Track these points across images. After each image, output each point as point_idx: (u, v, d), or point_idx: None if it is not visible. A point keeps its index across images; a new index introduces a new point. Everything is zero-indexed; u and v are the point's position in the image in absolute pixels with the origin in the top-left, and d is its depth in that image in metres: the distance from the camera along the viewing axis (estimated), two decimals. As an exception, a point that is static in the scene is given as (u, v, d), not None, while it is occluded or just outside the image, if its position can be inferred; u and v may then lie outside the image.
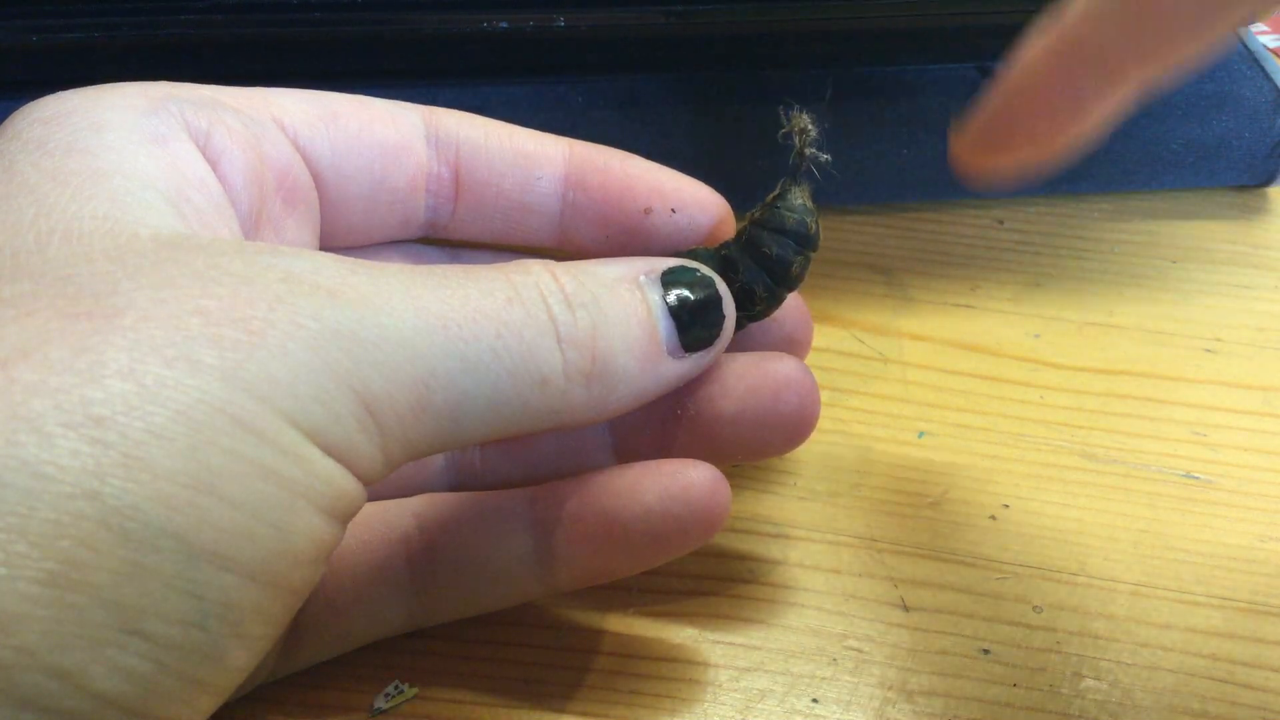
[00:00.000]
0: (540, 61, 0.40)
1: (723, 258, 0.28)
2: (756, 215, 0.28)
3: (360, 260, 0.22)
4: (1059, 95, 0.25)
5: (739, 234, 0.28)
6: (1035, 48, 0.25)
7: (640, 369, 0.25)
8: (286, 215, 0.27)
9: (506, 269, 0.24)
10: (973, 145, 0.27)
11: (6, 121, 0.24)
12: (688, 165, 0.30)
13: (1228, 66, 0.42)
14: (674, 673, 0.29)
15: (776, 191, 0.28)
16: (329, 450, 0.20)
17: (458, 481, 0.30)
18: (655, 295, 0.25)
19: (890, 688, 0.28)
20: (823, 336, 0.28)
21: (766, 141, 0.39)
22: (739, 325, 0.28)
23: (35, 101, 0.24)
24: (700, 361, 0.26)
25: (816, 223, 0.28)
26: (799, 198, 0.28)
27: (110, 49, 0.36)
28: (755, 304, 0.28)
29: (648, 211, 0.29)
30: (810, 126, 0.28)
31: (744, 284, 0.28)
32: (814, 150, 0.28)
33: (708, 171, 0.31)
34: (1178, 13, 0.22)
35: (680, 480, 0.26)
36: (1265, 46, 0.44)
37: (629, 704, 0.28)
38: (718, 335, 0.26)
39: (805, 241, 0.28)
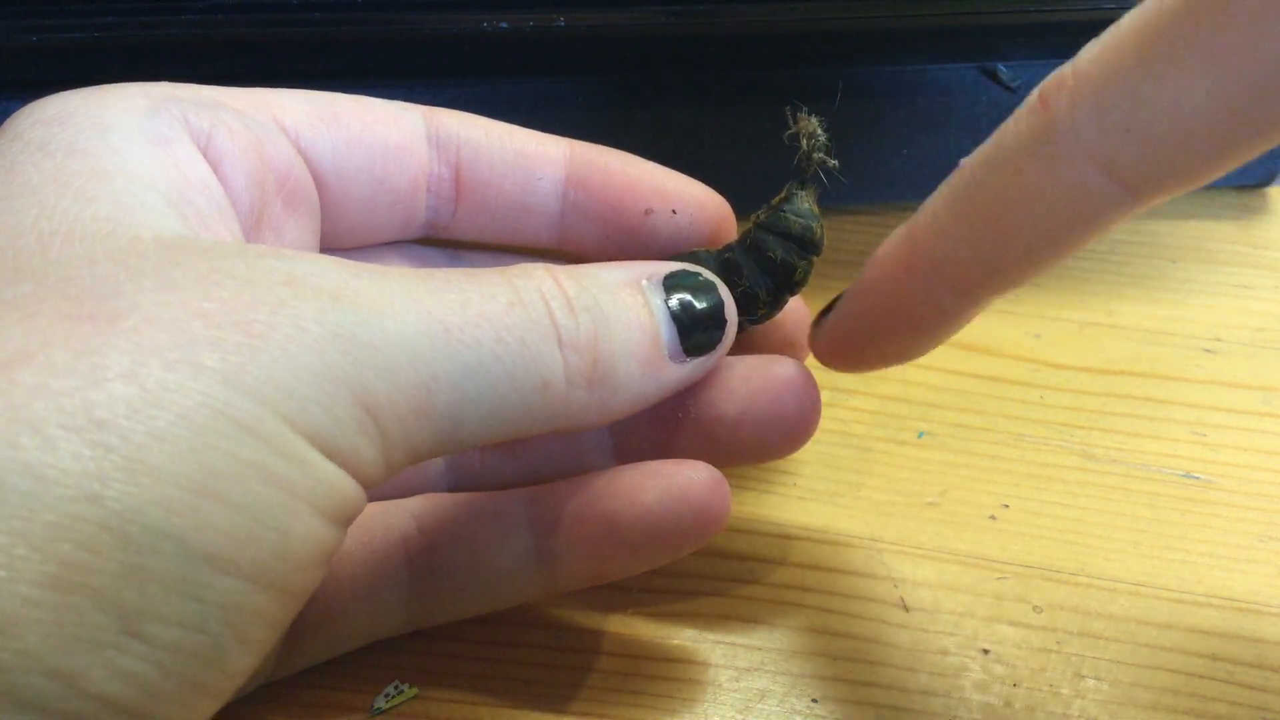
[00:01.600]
0: (540, 61, 0.40)
1: (725, 260, 0.28)
2: (761, 218, 0.28)
3: (362, 263, 0.22)
4: (911, 307, 0.25)
5: (742, 236, 0.28)
6: (888, 256, 0.25)
7: (641, 373, 0.25)
8: (287, 216, 0.27)
9: (508, 273, 0.24)
10: (830, 349, 0.28)
11: (8, 122, 0.24)
12: (688, 166, 0.30)
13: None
14: (674, 673, 0.29)
15: (782, 195, 0.28)
16: (330, 454, 0.20)
17: (458, 482, 0.30)
18: (657, 300, 0.25)
19: (890, 688, 0.28)
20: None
21: (767, 142, 0.39)
22: (740, 328, 0.28)
23: (36, 102, 0.24)
24: (702, 366, 0.26)
25: (821, 228, 0.28)
26: (805, 202, 0.28)
27: (110, 49, 0.36)
28: (758, 308, 0.28)
29: (648, 212, 0.29)
30: (819, 130, 0.27)
31: (747, 288, 0.28)
32: (822, 155, 0.27)
33: (708, 172, 0.31)
34: (1024, 232, 0.22)
35: (680, 481, 0.26)
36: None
37: (629, 704, 0.28)
38: (719, 340, 0.26)
39: (810, 246, 0.28)
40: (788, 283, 0.28)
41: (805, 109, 0.27)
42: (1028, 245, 0.23)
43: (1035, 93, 0.22)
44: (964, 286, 0.24)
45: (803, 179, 0.28)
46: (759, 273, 0.28)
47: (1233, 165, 0.21)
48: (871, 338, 0.27)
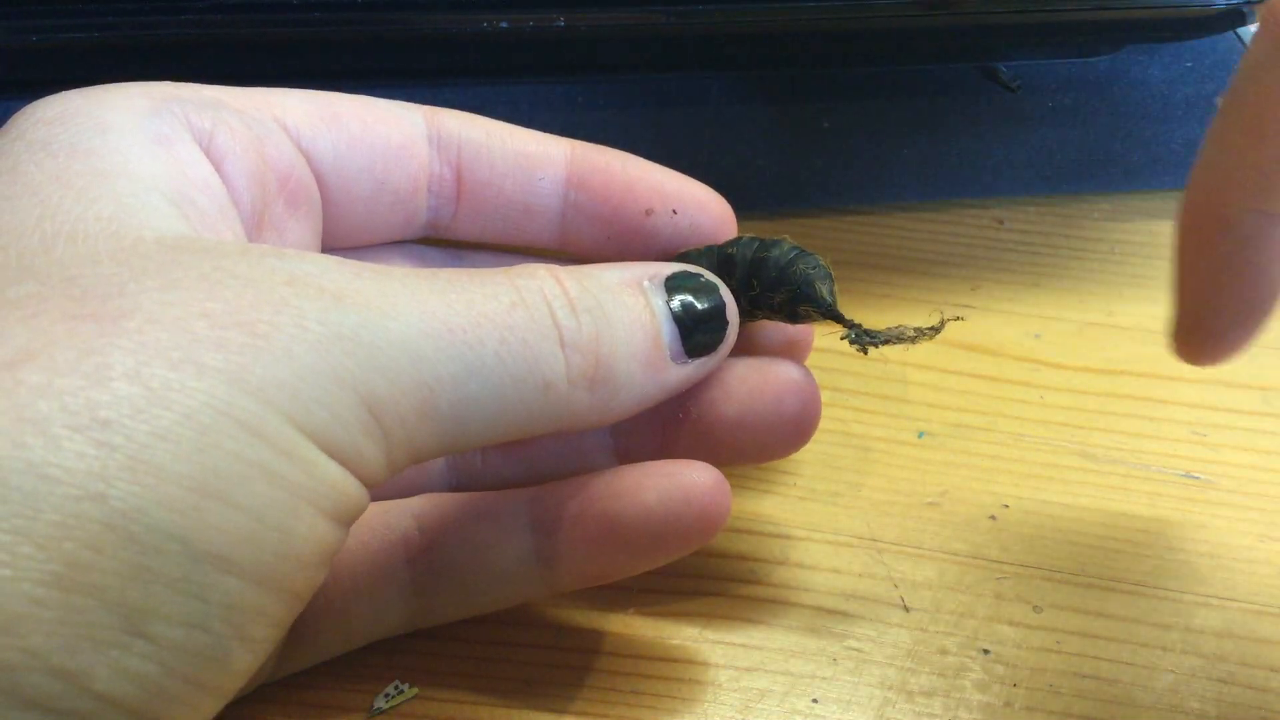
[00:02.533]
0: (540, 61, 0.40)
1: (726, 256, 0.28)
2: (777, 273, 0.28)
3: (365, 263, 0.22)
4: (1236, 253, 0.25)
5: (752, 253, 0.28)
6: (1188, 227, 0.26)
7: (643, 374, 0.25)
8: (289, 216, 0.27)
9: (511, 273, 0.24)
10: (1192, 343, 0.27)
11: (9, 122, 0.24)
12: (688, 166, 0.30)
13: (1228, 66, 0.42)
14: (674, 673, 0.29)
15: (799, 268, 0.28)
16: (333, 454, 0.20)
17: (458, 482, 0.30)
18: (659, 300, 0.25)
19: (890, 688, 0.28)
20: (823, 336, 0.28)
21: (767, 142, 0.39)
22: (744, 320, 0.28)
23: (38, 102, 0.24)
24: (703, 367, 0.26)
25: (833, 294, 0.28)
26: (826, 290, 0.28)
27: (110, 49, 0.36)
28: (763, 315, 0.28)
29: (649, 212, 0.29)
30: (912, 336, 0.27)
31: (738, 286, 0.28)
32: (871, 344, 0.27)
33: (708, 172, 0.31)
34: None
35: (681, 481, 0.26)
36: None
37: (629, 704, 0.28)
38: (720, 341, 0.26)
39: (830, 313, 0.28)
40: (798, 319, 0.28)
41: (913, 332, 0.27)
42: None
43: (1261, 15, 0.23)
44: (1267, 207, 0.24)
45: (856, 332, 0.27)
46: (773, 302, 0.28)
47: None
48: (1228, 310, 0.26)
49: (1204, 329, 0.27)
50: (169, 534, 0.18)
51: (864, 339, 0.27)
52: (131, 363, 0.18)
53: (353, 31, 0.37)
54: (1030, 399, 0.36)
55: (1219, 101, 0.24)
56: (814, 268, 0.27)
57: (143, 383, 0.18)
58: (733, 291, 0.27)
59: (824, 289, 0.27)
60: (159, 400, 0.18)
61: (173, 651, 0.18)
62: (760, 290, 0.28)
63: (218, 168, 0.25)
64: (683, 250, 0.29)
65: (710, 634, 0.30)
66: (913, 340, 0.27)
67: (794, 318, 0.28)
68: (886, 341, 0.27)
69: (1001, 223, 0.42)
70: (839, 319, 0.27)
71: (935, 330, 0.27)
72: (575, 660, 0.29)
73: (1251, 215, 0.24)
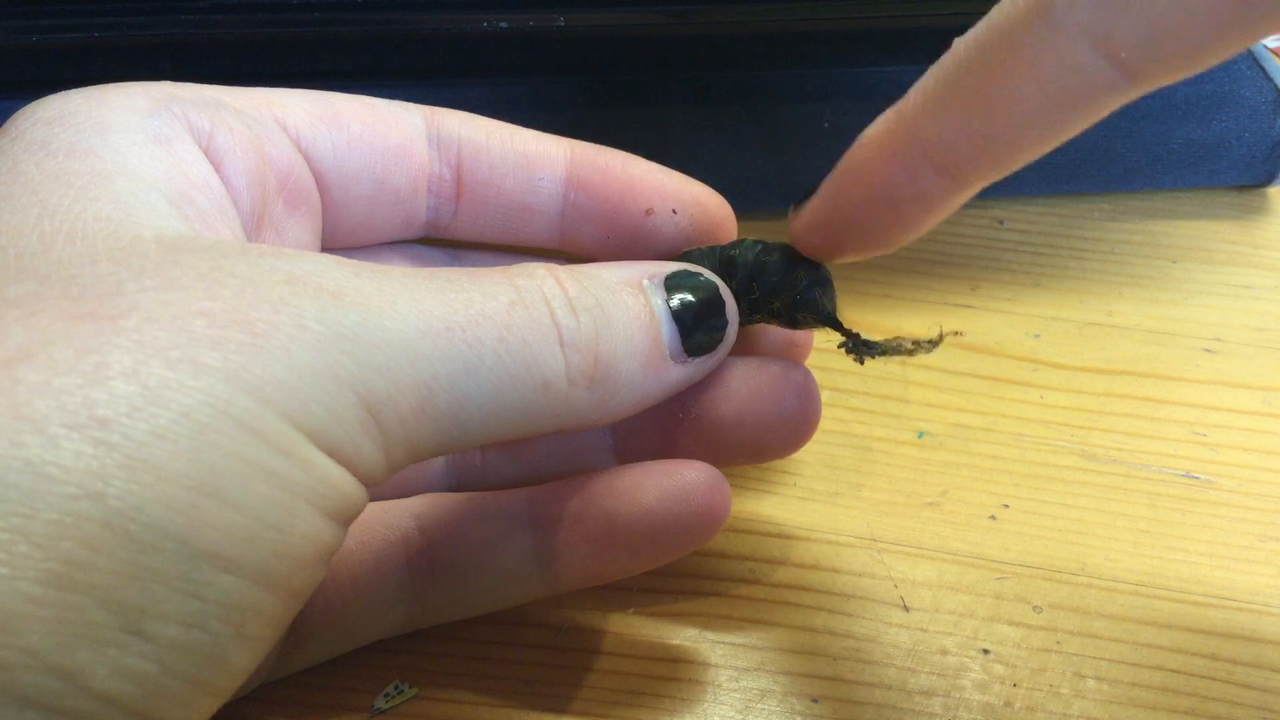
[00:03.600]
0: (540, 61, 0.40)
1: (728, 257, 0.28)
2: (779, 279, 0.28)
3: (364, 263, 0.22)
4: (898, 188, 0.24)
5: (756, 258, 0.28)
6: (875, 133, 0.25)
7: (643, 373, 0.25)
8: (288, 216, 0.27)
9: (510, 272, 0.24)
10: (809, 232, 0.27)
11: (9, 122, 0.24)
12: (688, 166, 0.30)
13: (1228, 66, 0.42)
14: (674, 673, 0.29)
15: (802, 280, 0.28)
16: (331, 453, 0.20)
17: (458, 482, 0.30)
18: (659, 300, 0.25)
19: (890, 688, 0.28)
20: (823, 336, 0.28)
21: (767, 142, 0.39)
22: (743, 323, 0.28)
23: (38, 101, 0.24)
24: (703, 366, 0.26)
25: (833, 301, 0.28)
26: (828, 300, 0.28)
27: (110, 49, 0.36)
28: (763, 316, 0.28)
29: (649, 212, 0.29)
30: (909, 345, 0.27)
31: (739, 289, 0.28)
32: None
33: (708, 172, 0.31)
34: (1016, 112, 0.22)
35: (680, 481, 0.26)
36: (1265, 46, 0.44)
37: (629, 704, 0.28)
38: (720, 340, 0.26)
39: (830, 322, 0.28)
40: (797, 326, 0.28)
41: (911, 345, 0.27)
42: (1019, 126, 0.22)
43: None
44: (952, 169, 0.23)
45: (856, 344, 0.27)
46: (762, 297, 0.28)
47: (1230, 50, 0.20)
48: (854, 223, 0.26)
49: (829, 227, 0.26)
50: (167, 533, 0.18)
51: (862, 349, 0.27)
52: (129, 361, 0.18)
53: (353, 31, 0.37)
54: (1030, 399, 0.36)
55: (956, 43, 0.23)
56: (815, 275, 0.27)
57: (140, 381, 0.18)
58: (733, 294, 0.27)
59: (824, 297, 0.27)
60: (157, 399, 0.18)
61: (171, 650, 0.18)
62: (760, 294, 0.28)
63: (217, 167, 0.25)
64: (685, 251, 0.29)
65: (710, 634, 0.30)
66: (910, 353, 0.27)
67: (793, 324, 0.28)
68: (884, 353, 0.27)
69: (1001, 223, 0.42)
70: (838, 327, 0.27)
71: (934, 344, 0.27)
72: (575, 660, 0.29)
73: (929, 168, 0.24)
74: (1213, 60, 0.20)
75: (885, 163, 0.24)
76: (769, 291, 0.28)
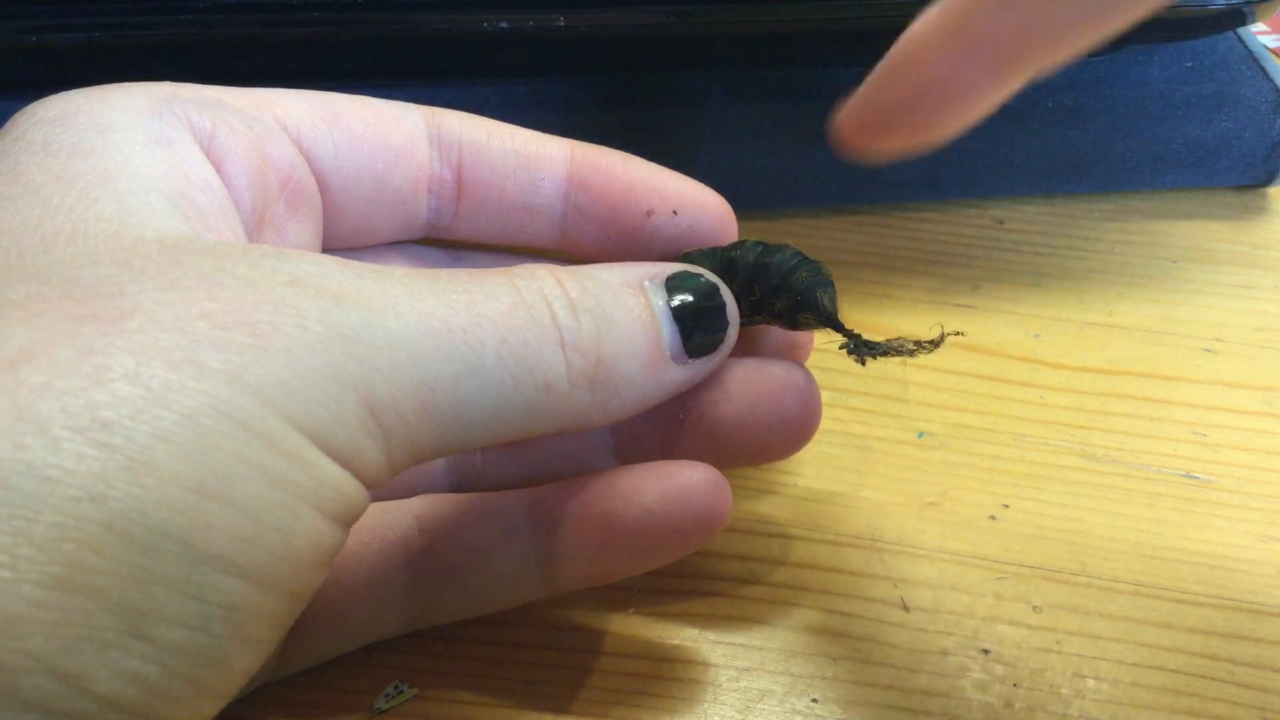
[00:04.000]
0: (540, 61, 0.40)
1: (729, 259, 0.28)
2: (780, 280, 0.28)
3: (366, 264, 0.22)
4: (946, 80, 0.24)
5: (762, 258, 0.28)
6: (923, 27, 0.24)
7: (644, 374, 0.25)
8: (289, 216, 0.27)
9: (511, 273, 0.24)
10: (855, 125, 0.26)
11: (10, 122, 0.24)
12: (688, 166, 0.30)
13: (1228, 66, 0.42)
14: (674, 673, 0.29)
15: (803, 280, 0.28)
16: (333, 454, 0.20)
17: (458, 483, 0.30)
18: (659, 301, 0.25)
19: (890, 688, 0.28)
20: (824, 337, 0.28)
21: (767, 142, 0.39)
22: (744, 324, 0.28)
23: (39, 102, 0.24)
24: (704, 367, 0.26)
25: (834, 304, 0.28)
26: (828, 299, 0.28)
27: (110, 49, 0.36)
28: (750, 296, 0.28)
29: (650, 213, 0.29)
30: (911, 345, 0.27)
31: (740, 291, 0.28)
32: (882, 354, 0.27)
33: (708, 172, 0.31)
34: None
35: (681, 482, 0.26)
36: (1265, 46, 0.44)
37: (629, 704, 0.28)
38: (721, 341, 0.26)
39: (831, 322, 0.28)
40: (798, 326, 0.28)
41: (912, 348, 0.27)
42: (1070, 16, 0.22)
43: None
44: (999, 60, 0.23)
45: (857, 344, 0.27)
46: (762, 299, 0.28)
47: None
48: (900, 114, 0.25)
49: (875, 119, 0.26)
50: (169, 535, 0.18)
51: (862, 350, 0.27)
52: (131, 363, 0.18)
53: (353, 31, 0.37)
54: (1030, 399, 0.36)
55: None
56: (816, 276, 0.27)
57: (143, 383, 0.18)
58: (734, 295, 0.27)
59: (825, 298, 0.27)
60: (159, 401, 0.18)
61: (173, 653, 0.18)
62: (761, 295, 0.28)
63: (218, 168, 0.25)
64: (685, 252, 0.29)
65: (710, 634, 0.30)
66: (911, 354, 0.27)
67: (794, 325, 0.28)
68: (885, 353, 0.27)
69: (1001, 223, 0.42)
70: (839, 328, 0.27)
71: (934, 344, 0.27)
72: (575, 660, 0.29)
73: (978, 61, 0.23)
74: None
75: (933, 54, 0.24)
76: (770, 292, 0.28)
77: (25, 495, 0.17)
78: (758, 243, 0.28)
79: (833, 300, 0.28)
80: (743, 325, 0.28)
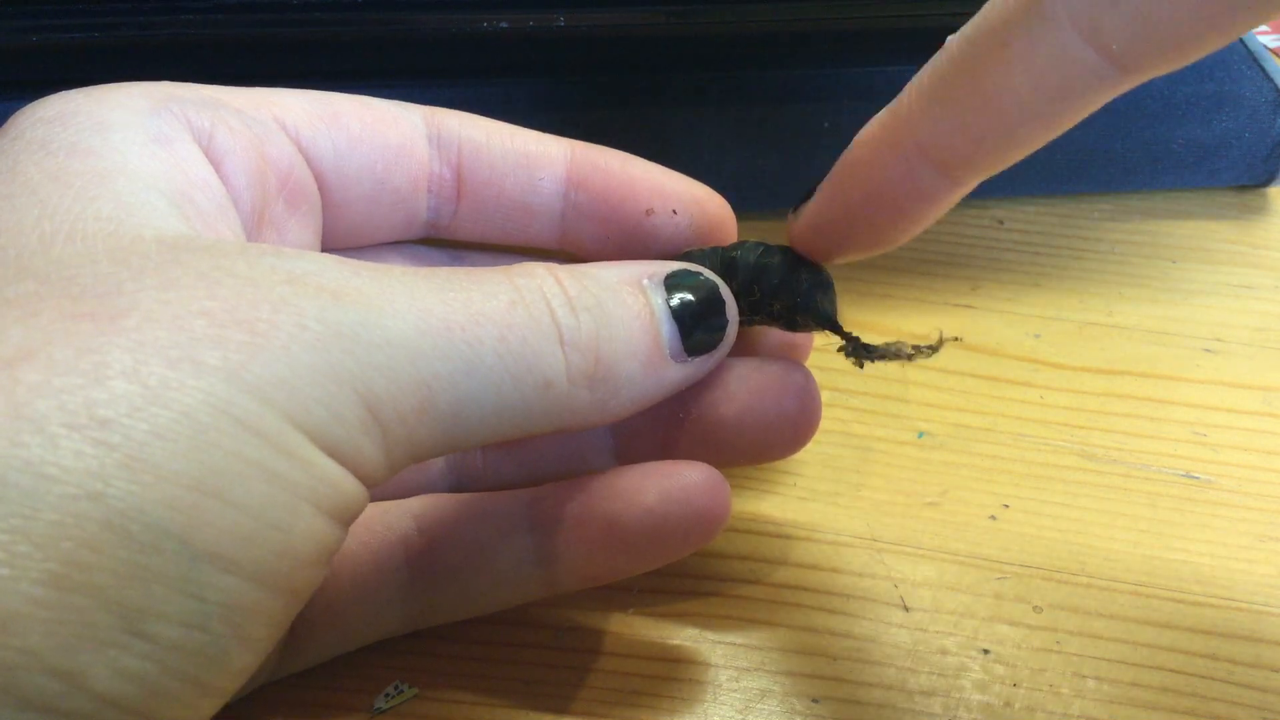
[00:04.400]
0: (540, 61, 0.40)
1: (729, 260, 0.28)
2: (780, 281, 0.28)
3: (364, 262, 0.22)
4: (896, 185, 0.24)
5: (757, 261, 0.28)
6: (871, 132, 0.25)
7: (643, 373, 0.25)
8: (289, 216, 0.27)
9: (510, 272, 0.24)
10: (808, 233, 0.27)
11: (9, 122, 0.24)
12: (688, 166, 0.30)
13: (1228, 66, 0.42)
14: (674, 673, 0.29)
15: (804, 281, 0.28)
16: (332, 452, 0.20)
17: (458, 483, 0.30)
18: (659, 299, 0.25)
19: (890, 688, 0.28)
20: (823, 337, 0.28)
21: (767, 142, 0.39)
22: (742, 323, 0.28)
23: (38, 101, 0.24)
24: (703, 366, 0.26)
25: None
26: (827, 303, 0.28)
27: (110, 49, 0.36)
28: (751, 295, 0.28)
29: (649, 212, 0.29)
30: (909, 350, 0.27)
31: (741, 289, 0.28)
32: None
33: (708, 172, 0.31)
34: (1010, 108, 0.22)
35: (681, 482, 0.26)
36: (1265, 46, 0.44)
37: (629, 704, 0.28)
38: (720, 340, 0.26)
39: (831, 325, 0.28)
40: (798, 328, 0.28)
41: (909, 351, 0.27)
42: (1013, 121, 0.22)
43: None
44: (948, 166, 0.24)
45: (856, 347, 0.27)
46: (761, 298, 0.28)
47: (1224, 38, 0.20)
48: (853, 222, 0.26)
49: (828, 227, 0.27)
50: (167, 533, 0.18)
51: (861, 353, 0.27)
52: (129, 361, 0.18)
53: (353, 31, 0.37)
54: (1030, 399, 0.36)
55: (949, 40, 0.23)
56: (816, 278, 0.27)
57: (141, 381, 0.18)
58: (734, 295, 0.27)
59: (824, 301, 0.27)
60: (157, 398, 0.18)
61: (171, 651, 0.18)
62: (761, 296, 0.28)
63: (217, 167, 0.25)
64: (685, 251, 0.29)
65: (710, 634, 0.30)
66: (909, 358, 0.27)
67: (792, 325, 0.28)
68: (883, 357, 0.27)
69: (1001, 223, 0.42)
70: (838, 331, 0.27)
71: (933, 349, 0.27)
72: (575, 660, 0.29)
73: (924, 166, 0.24)
74: (1203, 51, 0.20)
75: (882, 161, 0.24)
76: (770, 294, 0.28)
77: (23, 493, 0.17)
78: (758, 243, 0.28)
79: (832, 303, 0.28)
80: (742, 325, 0.28)
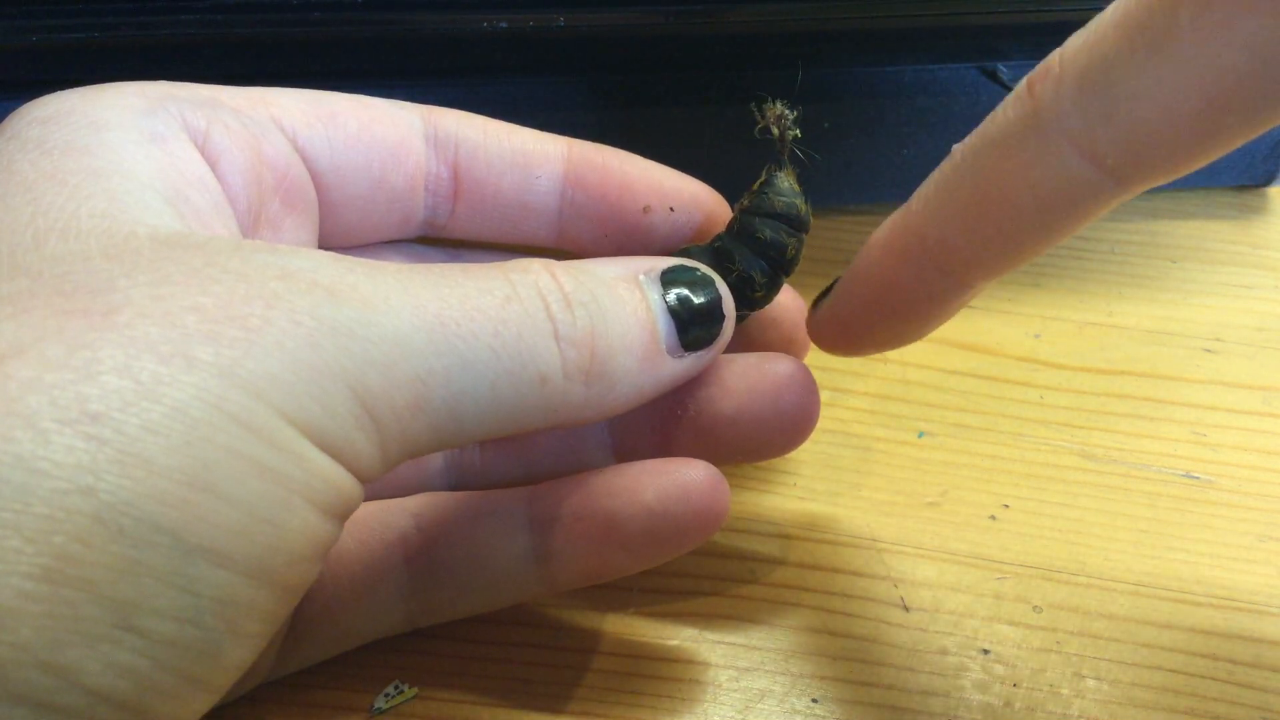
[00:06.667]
0: (540, 61, 0.40)
1: (716, 250, 0.28)
2: (745, 204, 0.28)
3: (358, 259, 0.22)
4: (907, 288, 0.25)
5: (730, 225, 0.28)
6: (882, 242, 0.26)
7: (639, 368, 0.25)
8: (285, 215, 0.27)
9: (505, 267, 0.24)
10: (827, 334, 0.28)
11: (5, 122, 0.24)
12: (688, 165, 0.30)
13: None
14: (674, 673, 0.29)
15: (763, 178, 0.28)
16: (326, 447, 0.20)
17: (457, 480, 0.30)
18: (655, 294, 0.25)
19: (890, 688, 0.28)
20: (816, 350, 0.29)
21: (766, 141, 0.39)
22: (740, 317, 0.28)
23: (34, 101, 0.24)
24: (700, 361, 0.26)
25: (806, 204, 0.28)
26: (785, 181, 0.28)
27: (110, 49, 0.36)
28: (755, 290, 0.28)
29: (646, 210, 0.29)
30: (787, 111, 0.28)
31: (742, 272, 0.28)
32: (795, 131, 0.28)
33: (708, 172, 0.31)
34: (1012, 218, 0.23)
35: (679, 479, 0.26)
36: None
37: (629, 704, 0.28)
38: (717, 334, 0.26)
39: (797, 224, 0.28)
40: (781, 262, 0.28)
41: (770, 98, 0.28)
42: (1016, 230, 0.23)
43: (1024, 81, 0.22)
44: (956, 271, 0.25)
45: (780, 160, 0.28)
46: (751, 256, 0.28)
47: (1212, 155, 0.21)
48: (867, 322, 0.27)
49: (845, 326, 0.28)
50: (159, 527, 0.18)
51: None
52: (121, 356, 0.18)
53: (353, 31, 0.37)
54: (1030, 399, 0.36)
55: (954, 149, 0.24)
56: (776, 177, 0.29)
57: (132, 376, 0.18)
58: (733, 261, 0.28)
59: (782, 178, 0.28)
60: (149, 394, 0.18)
61: (164, 646, 0.18)
62: (750, 251, 0.28)
63: (213, 166, 0.25)
64: (683, 248, 0.29)
65: (710, 634, 0.30)
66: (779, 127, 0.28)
67: (781, 251, 0.28)
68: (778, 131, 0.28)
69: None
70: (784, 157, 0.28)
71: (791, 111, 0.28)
72: (575, 660, 0.29)
73: (932, 269, 0.25)
74: (1197, 164, 0.21)
75: (892, 265, 0.26)
76: (747, 221, 0.28)
77: (14, 487, 0.17)
78: (729, 225, 0.29)
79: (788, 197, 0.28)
80: (739, 318, 0.28)
